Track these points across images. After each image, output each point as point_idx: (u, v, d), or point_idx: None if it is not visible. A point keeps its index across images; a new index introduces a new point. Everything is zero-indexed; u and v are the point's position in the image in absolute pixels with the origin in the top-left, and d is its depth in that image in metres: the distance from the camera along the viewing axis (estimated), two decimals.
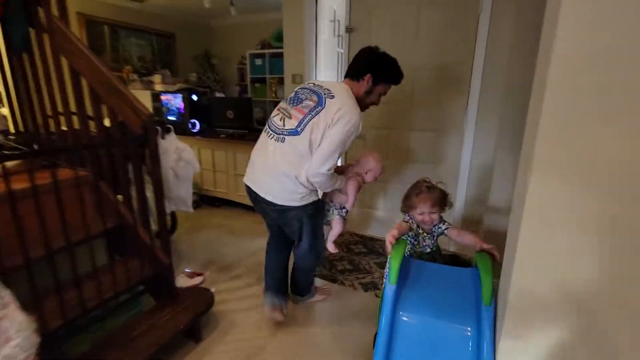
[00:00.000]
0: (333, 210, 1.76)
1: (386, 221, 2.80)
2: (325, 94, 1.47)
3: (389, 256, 1.26)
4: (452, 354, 0.95)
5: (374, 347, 1.53)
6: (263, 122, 4.19)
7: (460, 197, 2.49)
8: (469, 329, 0.97)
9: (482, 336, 0.92)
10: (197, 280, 2.09)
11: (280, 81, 4.07)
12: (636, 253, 0.73)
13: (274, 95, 4.35)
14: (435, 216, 1.43)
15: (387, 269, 1.26)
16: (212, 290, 1.80)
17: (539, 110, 0.77)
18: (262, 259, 1.89)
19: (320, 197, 1.67)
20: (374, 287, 2.15)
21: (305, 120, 1.43)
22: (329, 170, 1.44)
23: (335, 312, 1.93)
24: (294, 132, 1.44)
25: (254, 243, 2.74)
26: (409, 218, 1.51)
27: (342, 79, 1.61)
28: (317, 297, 2.02)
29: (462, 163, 2.44)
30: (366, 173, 1.71)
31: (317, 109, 1.43)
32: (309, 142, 1.42)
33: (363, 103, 1.56)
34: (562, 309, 0.83)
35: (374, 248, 2.66)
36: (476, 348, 0.93)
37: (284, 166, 1.46)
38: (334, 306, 1.98)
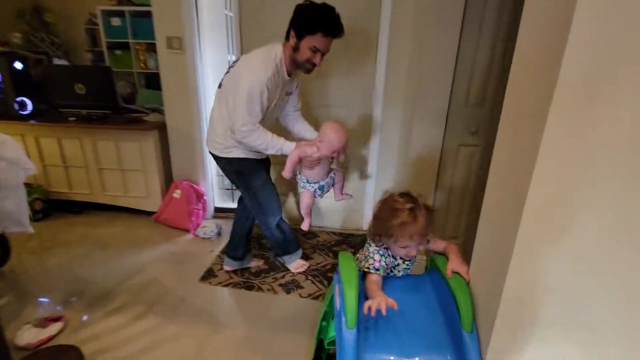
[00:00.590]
0: (300, 183, 1.76)
1: (296, 207, 2.56)
2: (244, 54, 1.63)
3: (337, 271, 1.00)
4: None
5: None
6: (131, 98, 3.37)
7: (372, 170, 2.40)
8: (448, 357, 0.80)
9: None
10: (52, 329, 1.46)
11: (151, 47, 3.27)
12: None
13: (143, 65, 3.49)
14: (422, 246, 1.07)
15: (338, 293, 1.00)
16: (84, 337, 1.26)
17: (544, 104, 0.59)
18: (152, 276, 1.45)
19: (250, 156, 1.69)
20: (296, 286, 1.91)
21: (224, 77, 1.63)
22: (243, 127, 1.51)
23: (261, 322, 1.62)
24: (219, 86, 1.65)
25: (137, 256, 2.15)
26: (383, 250, 1.09)
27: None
28: (295, 269, 2.04)
29: (372, 139, 2.33)
30: (322, 144, 1.57)
31: (232, 67, 1.61)
32: (226, 98, 1.58)
33: (298, 63, 1.54)
34: (559, 319, 0.72)
35: None
36: None
37: (214, 113, 1.68)
38: (258, 316, 1.66)
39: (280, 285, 1.91)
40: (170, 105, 2.44)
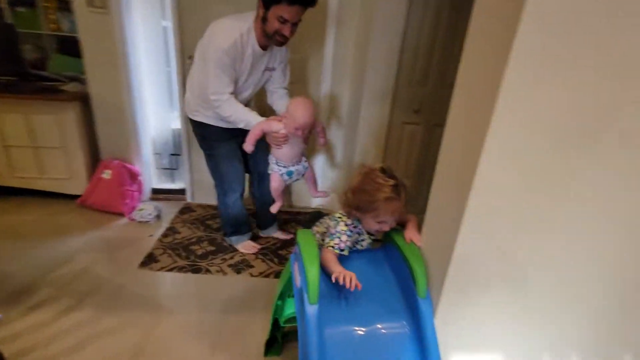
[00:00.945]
0: (270, 164, 1.66)
1: None
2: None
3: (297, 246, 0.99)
4: (395, 356, 0.82)
5: (264, 346, 1.32)
6: (41, 65, 2.89)
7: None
8: (402, 324, 0.85)
9: (423, 332, 0.81)
10: None
11: (64, 6, 2.80)
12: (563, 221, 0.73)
13: (54, 25, 2.98)
14: (395, 223, 1.05)
15: (296, 266, 0.99)
16: None
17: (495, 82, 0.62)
18: (82, 266, 1.33)
19: (216, 124, 1.66)
20: (246, 266, 1.87)
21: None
22: (212, 95, 1.49)
23: (211, 305, 1.56)
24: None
25: (62, 245, 1.91)
26: (352, 228, 1.06)
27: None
28: (243, 249, 1.98)
29: (322, 114, 2.32)
30: (287, 120, 1.48)
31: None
32: (196, 61, 1.60)
33: (268, 34, 1.46)
34: (495, 273, 0.79)
35: None
36: (417, 345, 0.82)
37: (190, 80, 1.68)
38: (207, 299, 1.60)
39: (230, 266, 1.86)
40: (94, 74, 2.14)
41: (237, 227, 1.94)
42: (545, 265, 0.79)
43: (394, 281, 0.94)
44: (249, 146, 1.49)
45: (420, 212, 1.01)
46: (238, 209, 1.89)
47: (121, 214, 2.23)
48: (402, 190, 0.96)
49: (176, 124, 2.37)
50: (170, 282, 1.72)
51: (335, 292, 0.89)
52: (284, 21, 1.39)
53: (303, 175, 1.70)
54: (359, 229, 1.07)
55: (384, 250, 1.04)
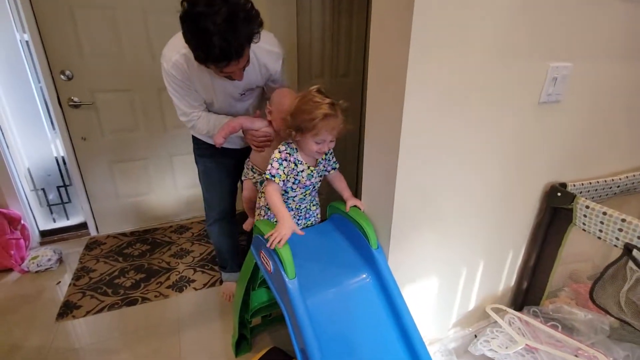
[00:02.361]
0: (245, 169, 1.40)
1: (153, 206, 2.30)
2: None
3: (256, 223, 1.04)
4: (364, 307, 0.95)
5: (234, 348, 1.33)
6: None
7: None
8: (364, 275, 0.99)
9: (382, 276, 0.97)
10: None
11: None
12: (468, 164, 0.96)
13: None
14: (332, 144, 1.04)
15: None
16: None
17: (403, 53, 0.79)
18: None
19: (200, 137, 1.43)
20: (187, 282, 1.78)
21: None
22: (181, 117, 1.28)
23: (161, 332, 1.46)
24: None
25: None
26: (285, 155, 1.03)
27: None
28: (223, 293, 1.71)
29: None
30: (272, 114, 1.21)
31: None
32: None
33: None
34: (422, 212, 1.00)
35: (156, 240, 2.16)
36: (380, 289, 0.97)
37: None
38: (155, 327, 1.49)
39: (169, 287, 1.75)
40: None
41: (222, 260, 1.69)
42: (452, 196, 1.03)
43: (348, 243, 1.07)
44: (219, 138, 1.18)
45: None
46: (219, 240, 1.61)
47: (9, 269, 1.84)
48: (338, 107, 0.98)
49: (59, 150, 2.04)
50: (104, 324, 1.53)
51: (303, 266, 0.98)
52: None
53: None
54: (294, 157, 1.04)
55: (331, 220, 1.17)
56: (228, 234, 1.60)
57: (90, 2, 1.75)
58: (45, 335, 1.46)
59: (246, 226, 1.45)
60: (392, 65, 0.84)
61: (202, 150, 1.46)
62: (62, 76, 1.82)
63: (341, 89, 2.17)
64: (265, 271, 0.99)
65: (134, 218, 2.27)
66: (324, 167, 1.13)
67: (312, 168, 1.07)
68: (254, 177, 1.33)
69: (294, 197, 1.11)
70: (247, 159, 1.37)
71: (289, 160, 1.04)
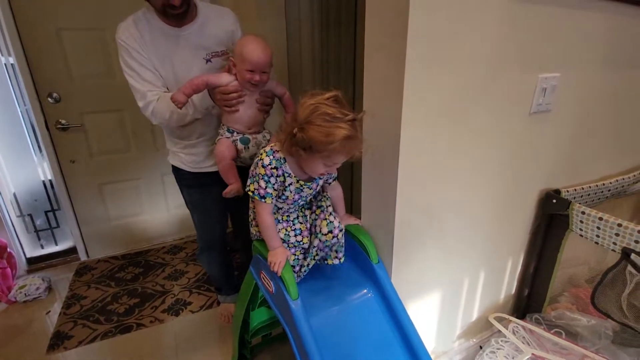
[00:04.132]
0: (219, 134, 1.18)
1: (145, 227, 2.25)
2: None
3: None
4: (368, 323, 0.94)
5: None
6: None
7: None
8: (365, 290, 0.98)
9: (384, 291, 0.96)
10: None
11: None
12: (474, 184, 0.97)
13: None
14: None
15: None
16: None
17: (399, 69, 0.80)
18: None
19: (184, 167, 1.32)
20: (183, 305, 1.74)
21: None
22: (139, 101, 1.15)
23: (158, 358, 1.41)
24: None
25: None
26: (268, 164, 0.85)
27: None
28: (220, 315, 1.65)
29: None
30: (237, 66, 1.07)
31: None
32: None
33: (157, 9, 1.09)
34: (423, 226, 1.00)
35: (149, 262, 2.11)
36: (382, 303, 0.96)
37: None
38: (151, 354, 1.43)
39: (164, 311, 1.70)
40: None
41: (217, 284, 1.67)
42: (453, 211, 1.04)
43: (348, 259, 1.06)
44: (179, 95, 1.01)
45: None
46: (210, 268, 1.59)
47: None
48: (358, 125, 0.79)
49: (47, 173, 1.99)
50: (98, 354, 1.47)
51: (304, 284, 0.96)
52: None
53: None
54: (282, 170, 0.86)
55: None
56: (219, 262, 1.54)
57: (78, 24, 1.74)
58: None
59: (226, 192, 1.15)
60: (389, 82, 0.84)
61: (186, 180, 1.36)
62: (49, 99, 1.79)
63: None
64: (267, 291, 0.97)
65: (125, 240, 2.21)
66: (324, 179, 0.96)
67: (302, 182, 0.90)
68: (232, 137, 1.15)
69: (280, 208, 0.96)
70: (221, 124, 1.17)
71: (277, 175, 0.86)
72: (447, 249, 1.09)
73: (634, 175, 1.35)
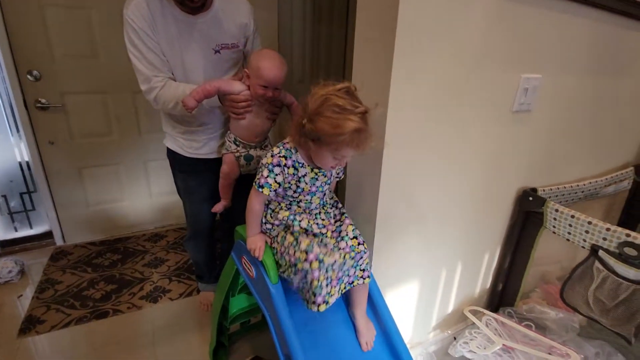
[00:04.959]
0: (226, 142, 1.20)
1: (125, 213, 2.21)
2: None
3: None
4: (346, 310, 0.96)
5: (211, 356, 1.29)
6: None
7: None
8: None
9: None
10: None
11: None
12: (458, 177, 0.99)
13: None
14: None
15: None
16: None
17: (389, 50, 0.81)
18: None
19: (180, 151, 1.29)
20: (162, 292, 1.72)
21: None
22: (142, 84, 1.12)
23: (134, 346, 1.39)
24: None
25: None
26: (277, 152, 0.83)
27: None
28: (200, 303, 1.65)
29: None
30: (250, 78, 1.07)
31: None
32: None
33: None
34: (405, 218, 1.02)
35: (129, 249, 2.07)
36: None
37: None
38: (127, 341, 1.41)
39: (143, 297, 1.67)
40: None
41: (200, 272, 1.63)
42: (434, 204, 1.06)
43: None
44: (190, 100, 1.01)
45: None
46: (196, 254, 1.57)
47: None
48: (369, 118, 0.76)
49: (24, 154, 1.92)
50: (71, 340, 1.44)
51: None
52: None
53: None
54: (293, 160, 0.83)
55: None
56: (205, 249, 1.54)
57: (64, 1, 1.68)
58: (6, 353, 1.35)
59: (216, 208, 1.27)
60: (377, 74, 0.86)
61: (181, 164, 1.32)
62: (29, 76, 1.73)
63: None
64: (247, 277, 0.97)
65: (104, 226, 2.16)
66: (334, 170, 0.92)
67: (316, 170, 0.86)
68: (237, 151, 1.16)
69: (299, 202, 0.89)
70: (228, 132, 1.19)
71: (286, 165, 0.83)
72: (427, 241, 1.11)
73: (606, 179, 1.41)
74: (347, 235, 0.90)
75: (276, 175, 0.83)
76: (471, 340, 1.13)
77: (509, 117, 1.07)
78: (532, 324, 1.16)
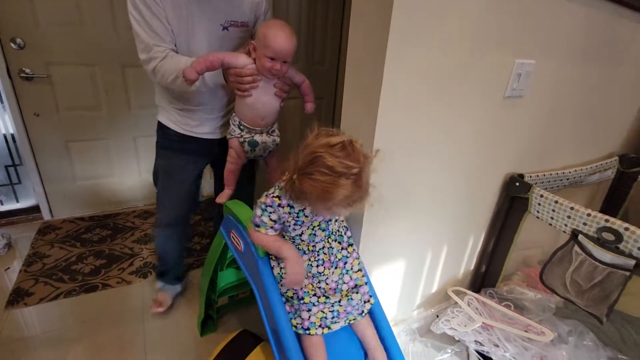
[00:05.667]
0: (230, 126, 1.12)
1: (114, 189, 2.19)
2: None
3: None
4: None
5: (199, 327, 1.32)
6: None
7: None
8: None
9: None
10: None
11: None
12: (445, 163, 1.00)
13: None
14: None
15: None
16: None
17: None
18: None
19: (173, 127, 1.20)
20: (152, 267, 1.73)
21: None
22: (141, 53, 1.03)
23: (124, 320, 1.40)
24: None
25: None
26: (274, 188, 0.80)
27: None
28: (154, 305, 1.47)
29: None
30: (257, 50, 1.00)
31: None
32: None
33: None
34: (394, 200, 1.03)
35: (118, 225, 2.06)
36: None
37: None
38: (117, 315, 1.43)
39: (132, 273, 1.68)
40: None
41: (164, 267, 1.46)
42: (423, 186, 1.08)
43: None
44: (191, 72, 0.93)
45: None
46: (166, 245, 1.39)
47: None
48: (364, 174, 0.70)
49: (9, 126, 1.87)
50: (60, 312, 1.45)
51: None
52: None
53: (269, 154, 1.17)
54: (288, 200, 0.78)
55: None
56: (177, 240, 1.39)
57: None
58: None
59: (221, 198, 1.18)
60: (371, 51, 0.85)
61: (171, 142, 1.22)
62: (12, 44, 1.66)
63: (316, 76, 2.16)
64: (236, 251, 0.99)
65: (93, 202, 2.14)
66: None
67: (321, 222, 0.83)
68: (241, 136, 1.10)
69: (301, 235, 0.83)
70: (232, 114, 1.12)
71: (280, 205, 0.78)
72: (415, 222, 1.14)
73: (591, 167, 1.45)
74: (351, 269, 0.89)
75: (270, 213, 0.80)
76: (453, 318, 1.17)
77: (500, 103, 1.08)
78: (511, 304, 1.21)
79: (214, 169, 1.40)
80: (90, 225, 2.04)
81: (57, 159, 1.95)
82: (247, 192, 1.41)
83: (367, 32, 0.86)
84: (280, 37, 0.96)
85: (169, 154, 1.25)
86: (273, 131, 1.15)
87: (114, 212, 2.18)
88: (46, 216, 2.06)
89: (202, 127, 1.21)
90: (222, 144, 1.22)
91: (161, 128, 1.24)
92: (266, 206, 0.79)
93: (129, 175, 2.18)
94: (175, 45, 1.05)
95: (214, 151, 1.25)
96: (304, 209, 0.80)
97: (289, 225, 0.82)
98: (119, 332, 1.36)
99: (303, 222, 0.81)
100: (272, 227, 0.82)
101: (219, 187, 1.43)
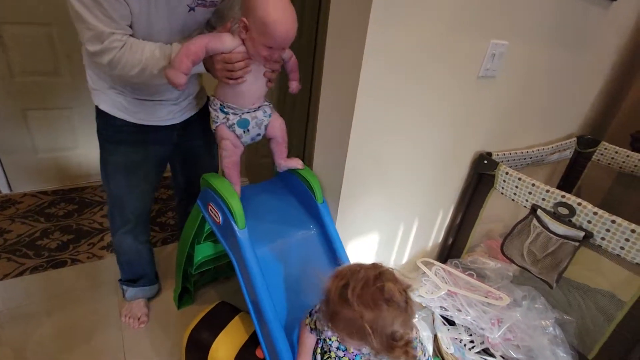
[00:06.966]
0: (212, 112, 0.95)
1: (80, 162, 2.08)
2: None
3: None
4: (309, 256, 1.01)
5: (176, 300, 1.33)
6: None
7: None
8: (310, 226, 1.05)
9: (326, 228, 1.02)
10: None
11: None
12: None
13: None
14: None
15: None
16: None
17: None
18: None
19: (114, 113, 1.00)
20: None
21: None
22: (90, 44, 0.80)
23: (96, 294, 1.39)
24: None
25: None
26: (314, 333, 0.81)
27: None
28: (125, 317, 1.32)
29: None
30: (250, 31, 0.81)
31: None
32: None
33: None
34: (371, 175, 1.06)
35: (85, 199, 1.98)
36: (324, 240, 1.03)
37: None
38: (87, 290, 1.40)
39: (103, 247, 1.64)
40: None
41: (132, 274, 1.32)
42: (399, 162, 1.11)
43: (296, 199, 1.11)
44: (177, 76, 0.79)
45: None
46: (132, 251, 1.25)
47: None
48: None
49: None
50: (26, 288, 1.40)
51: (251, 222, 0.98)
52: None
53: (265, 128, 1.00)
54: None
55: (279, 178, 1.18)
56: (145, 239, 1.26)
57: None
58: None
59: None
60: (351, 28, 0.84)
61: (123, 133, 1.02)
62: None
63: (293, 48, 2.10)
64: (214, 223, 0.99)
65: (56, 175, 2.03)
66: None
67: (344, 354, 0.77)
68: (227, 119, 0.92)
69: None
70: (212, 98, 0.95)
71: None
72: (389, 196, 1.18)
73: (552, 147, 1.54)
74: None
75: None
76: (421, 286, 1.25)
77: (474, 83, 1.11)
78: (474, 273, 1.30)
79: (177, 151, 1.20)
80: (55, 199, 1.94)
81: (13, 128, 1.82)
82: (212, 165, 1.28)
83: (347, 14, 0.85)
84: (284, 24, 0.78)
85: (121, 149, 1.06)
86: (261, 104, 0.97)
87: (80, 186, 2.08)
88: (4, 190, 1.94)
89: (160, 113, 1.03)
90: (185, 127, 1.11)
91: (104, 116, 1.01)
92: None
93: (94, 147, 2.04)
94: (132, 28, 0.84)
95: (173, 137, 1.10)
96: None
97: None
98: (93, 307, 1.35)
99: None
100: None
101: (184, 170, 1.28)
